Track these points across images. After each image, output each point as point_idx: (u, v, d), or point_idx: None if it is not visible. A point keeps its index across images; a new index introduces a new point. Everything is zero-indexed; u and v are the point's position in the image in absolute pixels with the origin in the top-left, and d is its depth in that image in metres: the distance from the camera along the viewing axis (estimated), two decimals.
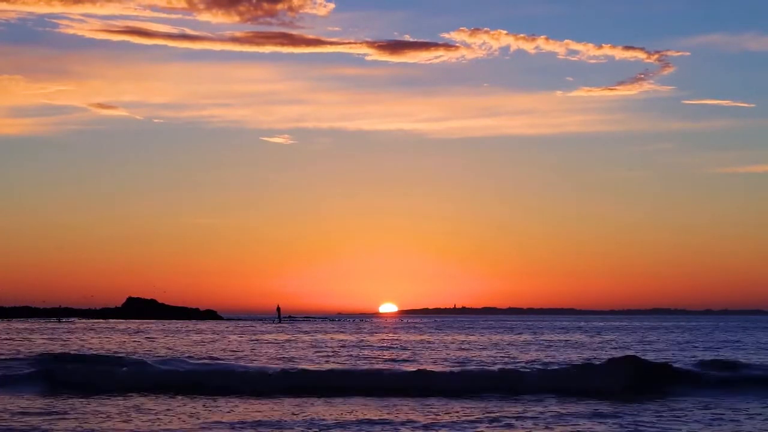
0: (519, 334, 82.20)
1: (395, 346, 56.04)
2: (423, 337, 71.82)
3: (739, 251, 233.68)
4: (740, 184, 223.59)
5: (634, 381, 27.02)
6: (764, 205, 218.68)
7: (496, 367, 32.65)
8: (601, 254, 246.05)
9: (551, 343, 60.20)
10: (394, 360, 41.55)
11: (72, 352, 42.17)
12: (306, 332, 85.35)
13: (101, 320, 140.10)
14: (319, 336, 73.96)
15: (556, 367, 31.62)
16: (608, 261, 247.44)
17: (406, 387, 27.06)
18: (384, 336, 74.29)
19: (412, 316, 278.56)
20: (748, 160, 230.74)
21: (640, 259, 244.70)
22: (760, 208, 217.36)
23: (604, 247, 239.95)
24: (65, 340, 61.08)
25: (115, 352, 45.10)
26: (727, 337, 72.96)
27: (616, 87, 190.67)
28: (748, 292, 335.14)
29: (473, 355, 45.59)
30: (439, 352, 48.06)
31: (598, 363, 30.17)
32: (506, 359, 41.98)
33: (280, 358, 41.93)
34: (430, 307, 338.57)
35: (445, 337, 71.31)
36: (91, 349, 49.19)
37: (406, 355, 45.62)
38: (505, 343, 61.40)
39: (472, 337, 71.18)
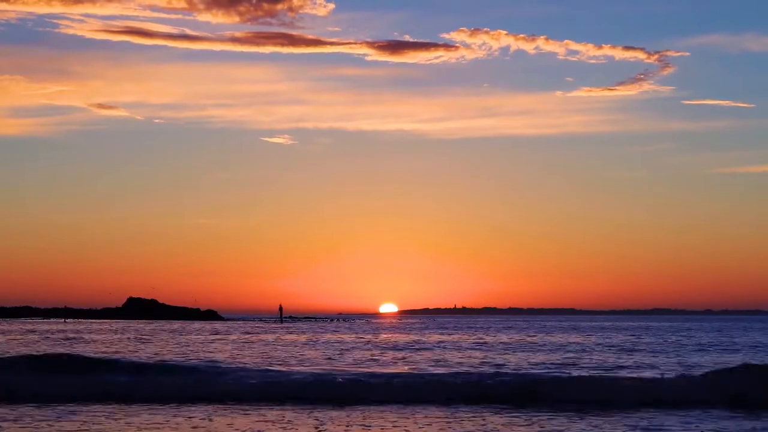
0: (588, 334, 78.43)
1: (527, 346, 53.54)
2: (506, 338, 67.90)
3: (739, 251, 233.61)
4: (740, 184, 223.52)
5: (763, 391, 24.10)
6: (764, 205, 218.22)
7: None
8: (601, 254, 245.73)
9: (649, 345, 55.86)
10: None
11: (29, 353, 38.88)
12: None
13: (99, 320, 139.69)
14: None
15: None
16: (608, 261, 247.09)
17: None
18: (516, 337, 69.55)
19: (412, 317, 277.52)
20: (748, 160, 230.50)
21: (640, 259, 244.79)
22: (760, 208, 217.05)
23: (604, 247, 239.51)
24: (36, 342, 58.05)
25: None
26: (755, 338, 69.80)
27: (616, 87, 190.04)
28: (748, 292, 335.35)
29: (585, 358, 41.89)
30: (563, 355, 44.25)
31: (732, 369, 26.97)
32: (628, 363, 38.86)
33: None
34: (431, 307, 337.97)
35: (529, 338, 67.20)
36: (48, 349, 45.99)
37: (540, 358, 42.35)
38: (599, 344, 57.81)
39: (556, 338, 67.02)
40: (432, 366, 35.91)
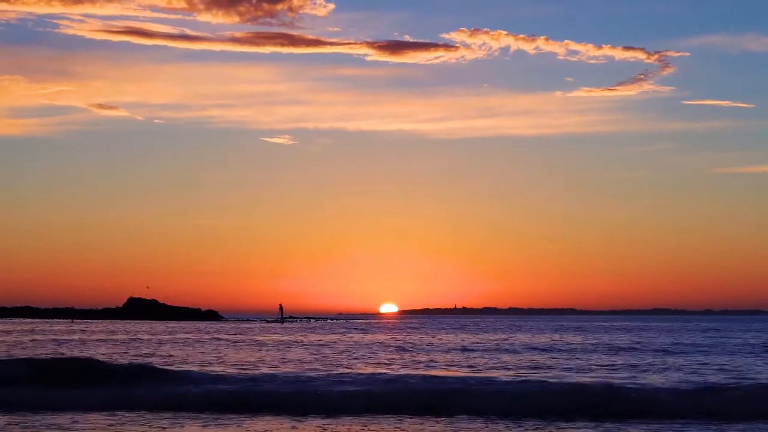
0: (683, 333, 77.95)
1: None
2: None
3: (739, 251, 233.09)
4: (740, 184, 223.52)
5: None
6: (764, 205, 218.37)
7: None
8: (601, 254, 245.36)
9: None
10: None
11: None
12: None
13: (111, 321, 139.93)
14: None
15: None
16: (608, 261, 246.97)
17: None
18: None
19: (413, 317, 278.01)
20: (748, 160, 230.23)
21: (639, 259, 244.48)
22: (760, 208, 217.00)
23: (604, 247, 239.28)
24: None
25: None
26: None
27: (616, 87, 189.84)
28: (748, 292, 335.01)
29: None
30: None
31: None
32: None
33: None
34: (431, 307, 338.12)
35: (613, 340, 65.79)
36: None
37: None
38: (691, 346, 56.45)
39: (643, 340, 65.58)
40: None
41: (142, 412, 24.08)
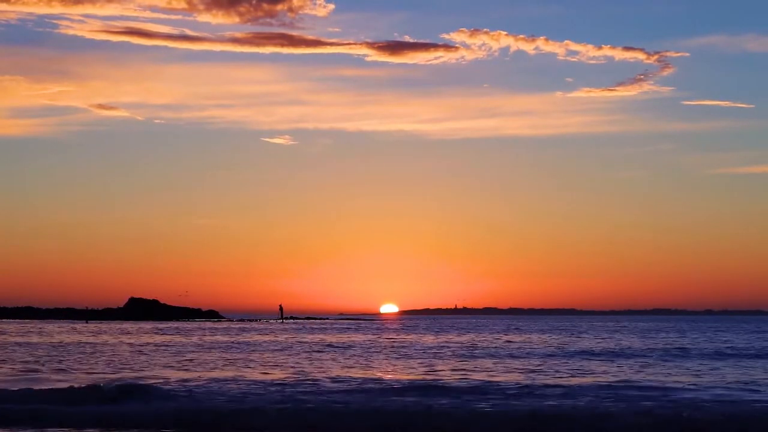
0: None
1: None
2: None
3: (738, 251, 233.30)
4: (740, 184, 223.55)
5: None
6: (764, 205, 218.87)
7: None
8: (601, 254, 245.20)
9: None
10: None
11: None
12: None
13: (106, 321, 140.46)
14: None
15: None
16: (608, 261, 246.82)
17: None
18: None
19: (413, 317, 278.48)
20: (748, 160, 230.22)
21: (639, 259, 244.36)
22: (760, 208, 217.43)
23: (604, 248, 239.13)
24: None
25: None
26: None
27: (616, 88, 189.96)
28: (748, 292, 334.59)
29: None
30: None
31: None
32: None
33: None
34: (431, 308, 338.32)
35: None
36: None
37: None
38: None
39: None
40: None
41: None
